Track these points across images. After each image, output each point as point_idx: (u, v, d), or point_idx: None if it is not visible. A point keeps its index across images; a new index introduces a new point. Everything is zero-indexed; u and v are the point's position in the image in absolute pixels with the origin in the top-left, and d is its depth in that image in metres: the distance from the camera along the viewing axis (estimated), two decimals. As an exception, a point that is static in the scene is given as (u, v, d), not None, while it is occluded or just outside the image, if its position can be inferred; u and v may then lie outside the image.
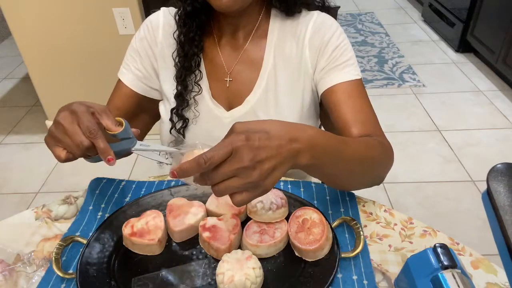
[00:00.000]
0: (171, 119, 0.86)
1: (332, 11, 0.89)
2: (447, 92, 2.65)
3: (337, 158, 0.60)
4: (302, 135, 0.53)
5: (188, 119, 0.85)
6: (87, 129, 0.57)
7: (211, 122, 0.85)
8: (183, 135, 0.86)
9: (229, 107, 0.85)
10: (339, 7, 0.97)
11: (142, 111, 0.92)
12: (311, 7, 0.84)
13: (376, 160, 0.70)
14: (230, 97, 0.85)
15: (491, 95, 2.58)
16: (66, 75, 2.15)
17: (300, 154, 0.53)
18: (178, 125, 0.85)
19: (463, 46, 3.05)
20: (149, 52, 0.87)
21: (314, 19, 0.82)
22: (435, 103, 2.54)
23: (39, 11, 1.94)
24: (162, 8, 0.88)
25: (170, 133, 0.87)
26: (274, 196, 0.70)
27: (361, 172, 0.68)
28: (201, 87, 0.84)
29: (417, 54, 3.12)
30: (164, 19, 0.86)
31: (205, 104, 0.85)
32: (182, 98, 0.84)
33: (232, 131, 0.52)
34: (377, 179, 0.74)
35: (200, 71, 0.84)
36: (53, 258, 0.64)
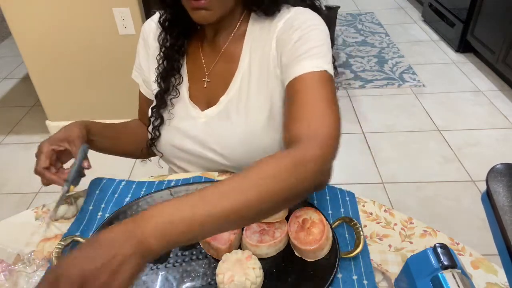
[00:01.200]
0: (149, 117, 0.88)
1: (332, 11, 0.88)
2: (447, 92, 2.65)
3: (201, 221, 0.48)
4: (136, 240, 0.45)
5: (163, 118, 0.87)
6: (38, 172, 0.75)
7: (187, 122, 0.86)
8: (159, 133, 0.88)
9: (207, 107, 0.85)
10: (339, 7, 0.96)
11: None
12: (294, 3, 0.79)
13: (280, 189, 0.53)
14: (208, 97, 0.85)
15: (491, 95, 2.58)
16: (66, 75, 2.15)
17: (141, 247, 0.45)
18: (155, 123, 0.87)
19: (463, 46, 3.05)
20: (145, 54, 0.91)
21: (288, 16, 0.76)
22: (435, 103, 2.54)
23: (39, 11, 1.94)
24: (157, 12, 0.89)
25: (148, 130, 0.89)
26: (274, 196, 0.70)
27: (256, 209, 0.52)
28: (179, 91, 0.86)
29: (417, 54, 3.12)
30: (155, 25, 0.88)
31: (183, 104, 0.86)
32: (161, 98, 0.86)
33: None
34: (300, 196, 0.59)
35: (181, 75, 0.86)
36: (53, 258, 0.64)
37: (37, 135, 2.39)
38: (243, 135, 0.81)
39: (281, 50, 0.75)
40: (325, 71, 0.69)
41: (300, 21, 0.74)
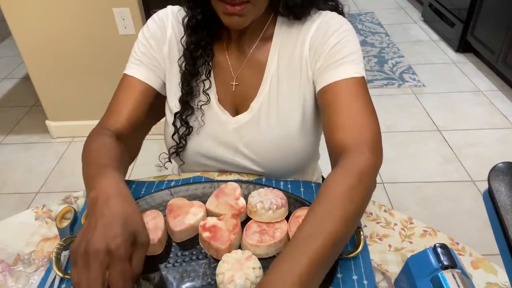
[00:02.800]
0: (174, 124, 0.84)
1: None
2: (447, 92, 2.65)
3: (326, 261, 0.53)
4: None
5: (192, 128, 0.83)
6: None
7: (216, 127, 0.83)
8: (185, 141, 0.84)
9: (235, 112, 0.83)
10: (339, 7, 0.96)
11: (148, 111, 0.86)
12: (324, 7, 0.81)
13: (356, 213, 0.58)
14: (237, 102, 0.83)
15: (491, 95, 2.58)
16: (66, 75, 2.15)
17: None
18: (181, 131, 0.83)
19: (463, 46, 3.05)
20: (158, 48, 0.84)
21: (321, 19, 0.78)
22: (435, 103, 2.54)
23: (39, 11, 1.94)
24: (169, 7, 0.85)
25: (172, 138, 0.85)
26: (274, 196, 0.70)
27: (352, 228, 0.59)
28: (209, 96, 0.82)
29: (417, 54, 3.12)
30: (173, 19, 0.84)
31: (211, 109, 0.83)
32: (187, 104, 0.82)
33: None
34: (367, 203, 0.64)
35: (210, 80, 0.82)
36: (53, 258, 0.64)
37: (37, 135, 2.40)
38: (277, 139, 0.80)
39: (317, 53, 0.76)
40: (363, 77, 0.73)
41: (336, 26, 0.76)
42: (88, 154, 0.71)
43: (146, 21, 0.87)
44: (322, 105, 0.74)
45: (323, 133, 0.76)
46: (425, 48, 3.21)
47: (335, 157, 0.67)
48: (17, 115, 2.63)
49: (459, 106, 2.51)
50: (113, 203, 0.56)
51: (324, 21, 0.77)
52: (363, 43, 3.31)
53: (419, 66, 2.95)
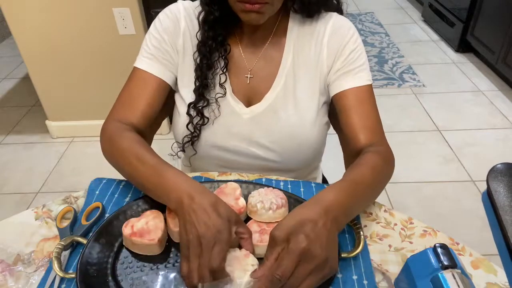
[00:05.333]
0: (188, 113, 0.85)
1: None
2: (447, 92, 2.65)
3: (358, 200, 0.67)
4: (328, 203, 0.59)
5: (208, 118, 0.85)
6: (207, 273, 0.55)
7: (230, 118, 0.86)
8: (199, 131, 0.86)
9: (248, 103, 0.86)
10: (339, 7, 0.97)
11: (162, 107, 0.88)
12: (330, 9, 0.86)
13: (383, 180, 0.74)
14: (250, 94, 0.86)
15: (491, 95, 2.58)
16: (66, 75, 2.15)
17: (338, 218, 0.59)
18: (195, 121, 0.85)
19: (463, 46, 3.06)
20: (172, 41, 0.85)
21: (333, 20, 0.84)
22: (435, 103, 2.54)
23: (39, 11, 1.94)
24: (180, 2, 0.87)
25: (187, 128, 0.86)
26: (274, 196, 0.70)
27: (374, 195, 0.73)
28: (225, 89, 0.85)
29: (417, 54, 3.12)
30: (186, 14, 0.85)
31: (226, 100, 0.86)
32: (203, 96, 0.84)
33: (278, 240, 0.55)
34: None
35: (225, 74, 0.85)
36: (53, 258, 0.64)
37: (37, 135, 2.40)
38: (294, 128, 0.84)
39: (336, 54, 0.83)
40: (372, 83, 0.83)
41: (350, 32, 0.84)
42: (124, 153, 0.73)
43: (146, 21, 0.88)
44: (342, 106, 0.82)
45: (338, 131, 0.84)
46: (425, 48, 3.21)
47: (359, 150, 0.77)
48: (17, 115, 2.63)
49: (459, 106, 2.51)
50: (198, 198, 0.61)
51: (337, 23, 0.84)
52: (363, 43, 3.31)
53: (419, 66, 2.95)
